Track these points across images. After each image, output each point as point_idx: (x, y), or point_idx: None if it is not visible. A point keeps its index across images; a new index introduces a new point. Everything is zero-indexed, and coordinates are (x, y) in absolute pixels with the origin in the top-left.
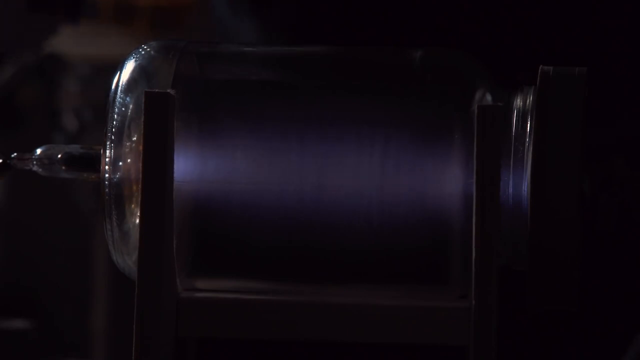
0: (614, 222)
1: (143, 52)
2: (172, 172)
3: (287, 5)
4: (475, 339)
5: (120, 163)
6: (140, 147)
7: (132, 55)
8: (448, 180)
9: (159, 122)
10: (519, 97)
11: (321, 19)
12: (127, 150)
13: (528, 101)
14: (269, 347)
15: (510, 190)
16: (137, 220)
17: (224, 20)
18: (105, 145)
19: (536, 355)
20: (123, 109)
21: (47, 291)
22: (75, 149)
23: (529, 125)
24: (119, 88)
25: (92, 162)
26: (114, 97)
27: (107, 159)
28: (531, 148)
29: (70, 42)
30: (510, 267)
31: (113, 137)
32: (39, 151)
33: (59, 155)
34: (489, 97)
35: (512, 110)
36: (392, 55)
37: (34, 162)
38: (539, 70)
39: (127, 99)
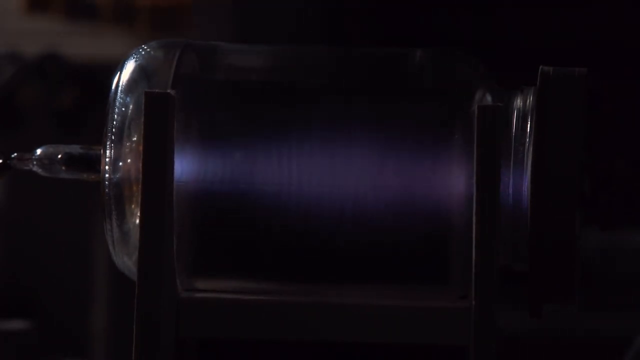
0: (614, 222)
1: (143, 52)
2: (172, 172)
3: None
4: (475, 339)
5: (120, 163)
6: (140, 147)
7: (132, 55)
8: (448, 181)
9: (159, 122)
10: (519, 98)
11: (322, 19)
12: (127, 150)
13: (528, 101)
14: (269, 347)
15: (510, 190)
16: (137, 221)
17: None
18: (105, 145)
19: (536, 355)
20: (123, 109)
21: (47, 291)
22: (75, 149)
23: (529, 125)
24: (119, 88)
25: (92, 162)
26: (114, 97)
27: (107, 159)
28: (531, 148)
29: (70, 42)
30: (510, 267)
31: (113, 137)
32: (39, 151)
33: (59, 156)
34: (489, 97)
35: (512, 111)
36: (392, 56)
37: (34, 162)
38: (539, 71)
39: (127, 99)
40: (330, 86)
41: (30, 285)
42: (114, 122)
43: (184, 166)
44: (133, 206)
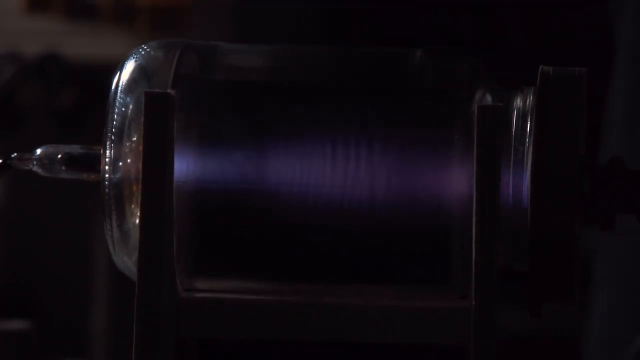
0: (614, 222)
1: (143, 52)
2: (172, 172)
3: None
4: (475, 339)
5: (120, 163)
6: (140, 147)
7: (132, 55)
8: (448, 181)
9: (159, 122)
10: (519, 98)
11: (322, 19)
12: (127, 150)
13: (528, 101)
14: (270, 347)
15: (510, 190)
16: (137, 221)
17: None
18: (105, 145)
19: (536, 355)
20: (123, 109)
21: (47, 291)
22: (75, 149)
23: (529, 125)
24: (119, 88)
25: (92, 162)
26: (114, 97)
27: (107, 159)
28: (531, 148)
29: (70, 42)
30: (510, 267)
31: (113, 137)
32: (38, 151)
33: (59, 156)
34: (489, 97)
35: (512, 111)
36: (392, 55)
37: (34, 162)
38: (539, 71)
39: (127, 99)
40: (330, 86)
41: (30, 285)
42: (114, 122)
43: (184, 166)
44: (133, 206)
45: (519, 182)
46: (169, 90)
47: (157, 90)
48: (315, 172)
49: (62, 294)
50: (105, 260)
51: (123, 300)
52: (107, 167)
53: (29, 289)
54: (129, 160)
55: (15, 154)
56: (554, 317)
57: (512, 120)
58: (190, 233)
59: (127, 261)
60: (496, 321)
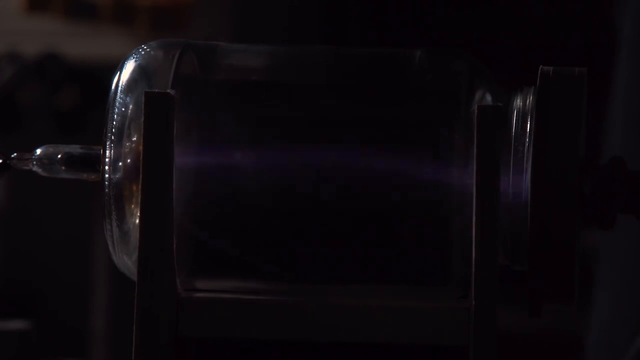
0: (614, 222)
1: (143, 52)
2: (172, 172)
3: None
4: (475, 339)
5: (120, 163)
6: (140, 147)
7: (132, 55)
8: (448, 181)
9: (159, 122)
10: (519, 98)
11: (322, 19)
12: (127, 150)
13: (528, 101)
14: (269, 347)
15: (510, 190)
16: (137, 221)
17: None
18: (105, 145)
19: (536, 355)
20: (123, 109)
21: (47, 291)
22: (75, 149)
23: (529, 125)
24: (119, 88)
25: (92, 162)
26: (114, 97)
27: (107, 159)
28: (531, 148)
29: (70, 42)
30: (510, 267)
31: (113, 137)
32: (38, 151)
33: (59, 156)
34: (489, 97)
35: (512, 111)
36: (392, 55)
37: (34, 162)
38: (539, 71)
39: (127, 99)
40: (330, 86)
41: (30, 285)
42: (114, 122)
43: (184, 166)
44: (133, 206)
45: (519, 182)
46: (169, 90)
47: (157, 90)
48: (316, 172)
49: (62, 294)
50: (105, 260)
51: (123, 300)
52: (107, 167)
53: (29, 289)
54: (129, 160)
55: (15, 154)
56: (554, 317)
57: (512, 120)
58: (190, 233)
59: (127, 261)
60: (496, 321)
